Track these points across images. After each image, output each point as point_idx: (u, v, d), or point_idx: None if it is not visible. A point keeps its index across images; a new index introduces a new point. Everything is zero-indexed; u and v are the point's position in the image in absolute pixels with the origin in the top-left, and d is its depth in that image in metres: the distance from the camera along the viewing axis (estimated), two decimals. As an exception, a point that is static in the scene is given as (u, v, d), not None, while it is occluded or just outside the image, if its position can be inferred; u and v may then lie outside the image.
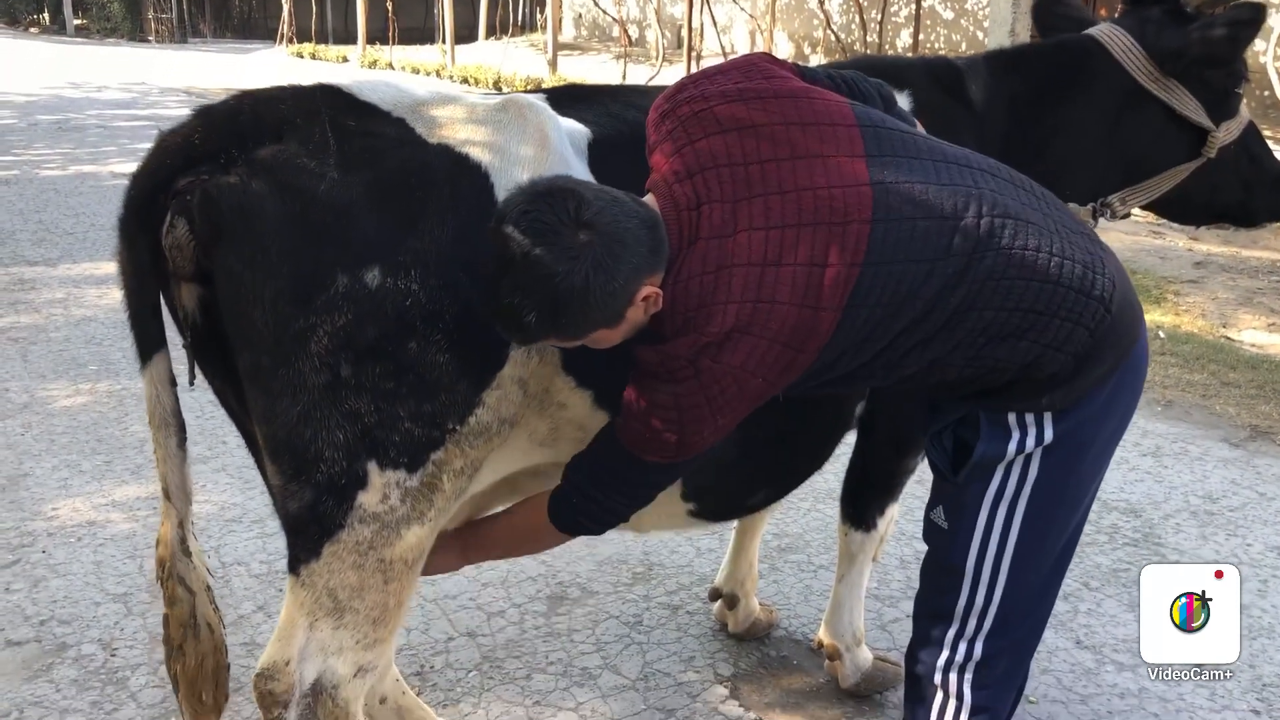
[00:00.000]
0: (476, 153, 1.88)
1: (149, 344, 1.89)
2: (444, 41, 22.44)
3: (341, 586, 1.91)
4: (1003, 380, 1.85)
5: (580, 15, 25.58)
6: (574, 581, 3.39)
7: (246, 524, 3.67)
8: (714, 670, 2.98)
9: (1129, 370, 1.92)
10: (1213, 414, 5.01)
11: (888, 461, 2.61)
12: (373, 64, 23.01)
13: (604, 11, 19.58)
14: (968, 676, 2.05)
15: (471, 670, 2.93)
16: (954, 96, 2.55)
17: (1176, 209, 2.81)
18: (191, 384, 1.94)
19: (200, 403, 2.00)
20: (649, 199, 1.78)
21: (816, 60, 20.01)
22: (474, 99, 2.02)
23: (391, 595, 1.95)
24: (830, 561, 3.49)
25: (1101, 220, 2.63)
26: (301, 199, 1.77)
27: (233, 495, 3.87)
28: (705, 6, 15.48)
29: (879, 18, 17.15)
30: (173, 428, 1.93)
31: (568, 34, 25.05)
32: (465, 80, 19.78)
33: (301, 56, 25.39)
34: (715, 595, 3.16)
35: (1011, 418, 1.89)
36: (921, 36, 17.58)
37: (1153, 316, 6.61)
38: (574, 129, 2.00)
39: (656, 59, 17.11)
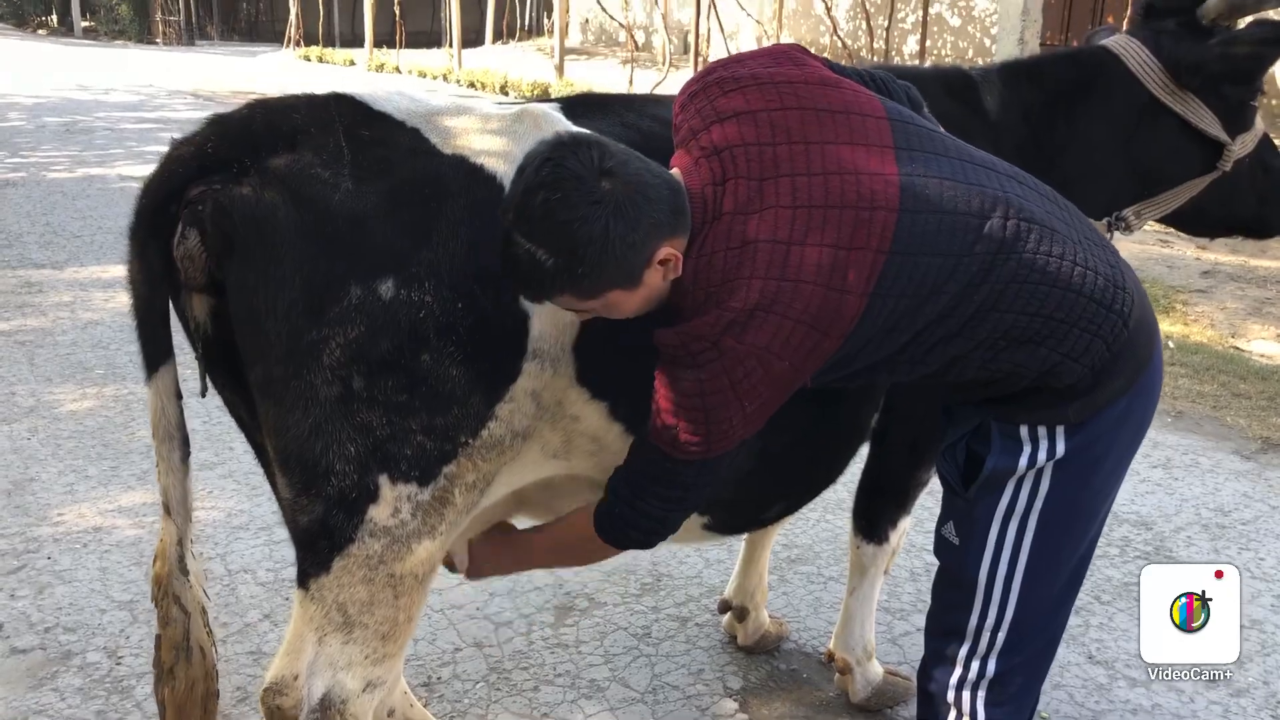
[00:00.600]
0: (491, 163, 1.87)
1: (157, 355, 1.87)
2: (451, 45, 22.46)
3: (351, 601, 1.88)
4: (1019, 386, 1.83)
5: (587, 20, 25.59)
6: (582, 592, 3.37)
7: (253, 531, 3.66)
8: (723, 683, 2.96)
9: (1143, 388, 1.89)
10: (1224, 425, 4.98)
11: (900, 474, 2.59)
12: (380, 68, 23.05)
13: (611, 17, 19.58)
14: (981, 694, 2.03)
15: (479, 681, 2.91)
16: (968, 106, 2.53)
17: (1190, 222, 2.78)
18: (204, 395, 1.92)
19: (207, 408, 1.97)
20: (674, 173, 1.76)
21: (823, 66, 19.99)
22: (489, 109, 2.01)
23: (401, 610, 1.93)
24: (840, 573, 3.47)
25: (1119, 232, 2.61)
26: (315, 209, 1.75)
27: (239, 502, 3.85)
28: (712, 11, 15.47)
29: (886, 24, 17.13)
30: (176, 441, 1.91)
31: (574, 39, 25.07)
32: (472, 84, 19.80)
33: (309, 60, 25.43)
34: (725, 607, 3.14)
35: (1024, 430, 1.86)
36: (929, 43, 17.57)
37: (1162, 326, 6.56)
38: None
39: (663, 64, 17.11)
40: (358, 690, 1.94)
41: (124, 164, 10.88)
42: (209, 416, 4.08)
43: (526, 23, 27.43)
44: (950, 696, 2.05)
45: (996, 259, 1.73)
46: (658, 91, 14.98)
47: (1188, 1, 2.56)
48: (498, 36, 26.25)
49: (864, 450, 2.57)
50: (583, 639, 3.12)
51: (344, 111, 1.89)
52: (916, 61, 17.54)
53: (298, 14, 26.72)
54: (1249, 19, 2.57)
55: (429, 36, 29.39)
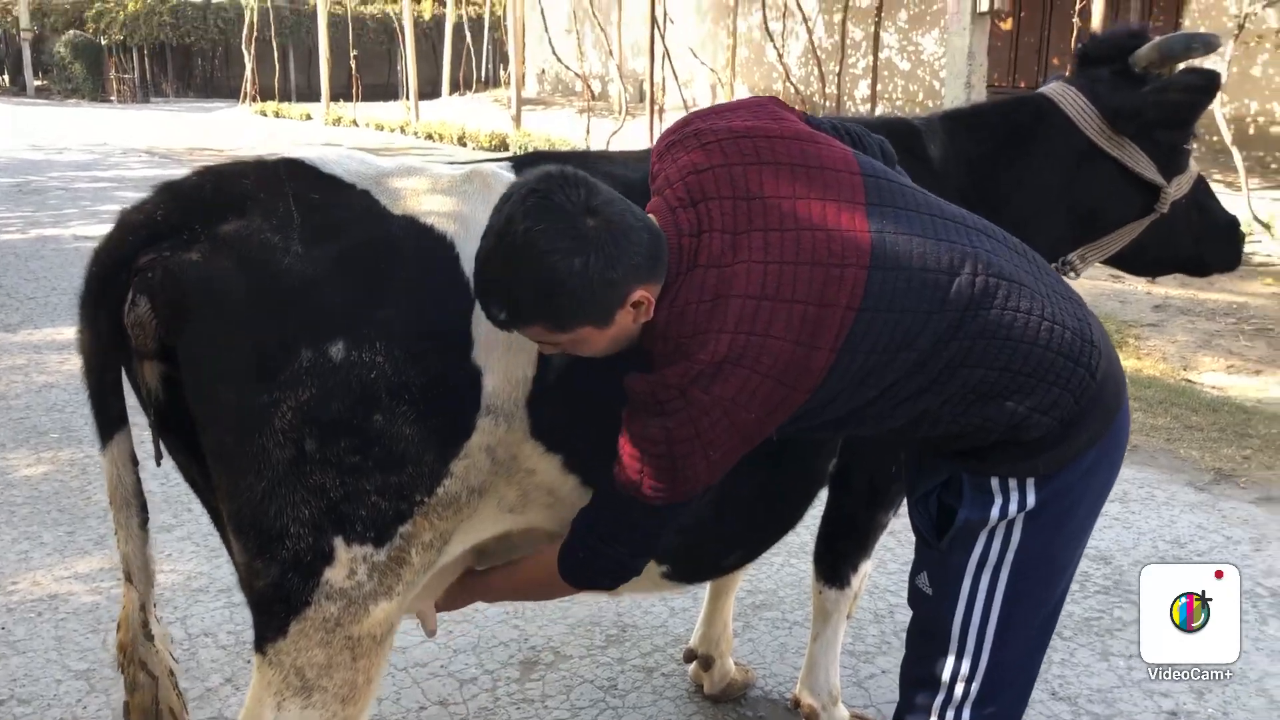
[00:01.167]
0: (442, 224, 1.89)
1: (110, 423, 1.86)
2: (408, 98, 22.56)
3: (309, 665, 1.87)
4: (988, 440, 1.86)
5: (544, 70, 25.81)
6: (547, 645, 3.35)
7: (213, 594, 3.61)
8: (690, 733, 2.95)
9: (1111, 439, 1.93)
10: (1177, 458, 5.06)
11: (860, 517, 2.61)
12: (337, 121, 23.09)
13: (566, 67, 19.77)
14: None
15: (444, 740, 2.88)
16: (913, 155, 2.58)
17: (1132, 262, 2.85)
18: (159, 463, 1.92)
19: (165, 470, 1.98)
20: (653, 219, 1.79)
21: (777, 111, 20.25)
22: (439, 169, 2.03)
23: (360, 672, 1.91)
24: (805, 618, 3.47)
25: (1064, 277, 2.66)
26: (265, 274, 1.76)
27: (199, 564, 3.81)
28: (666, 60, 15.67)
29: (837, 70, 17.41)
30: (134, 508, 1.90)
31: (531, 89, 25.27)
32: (430, 136, 19.89)
33: (265, 115, 25.45)
34: (690, 656, 3.13)
35: (995, 482, 1.89)
36: (880, 87, 17.87)
37: (1115, 361, 6.69)
38: (538, 197, 2.01)
39: (619, 113, 17.28)
40: (318, 755, 1.92)
41: (78, 224, 10.80)
42: (166, 479, 4.04)
43: (483, 74, 27.65)
44: None
45: (966, 315, 1.76)
46: (615, 140, 15.12)
47: (1121, 50, 2.64)
48: (454, 88, 26.41)
49: (824, 495, 2.59)
50: (548, 693, 3.10)
51: (293, 175, 1.90)
52: (868, 106, 17.84)
53: (253, 69, 26.78)
54: (1180, 66, 2.65)
55: (386, 89, 29.53)
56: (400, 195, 1.92)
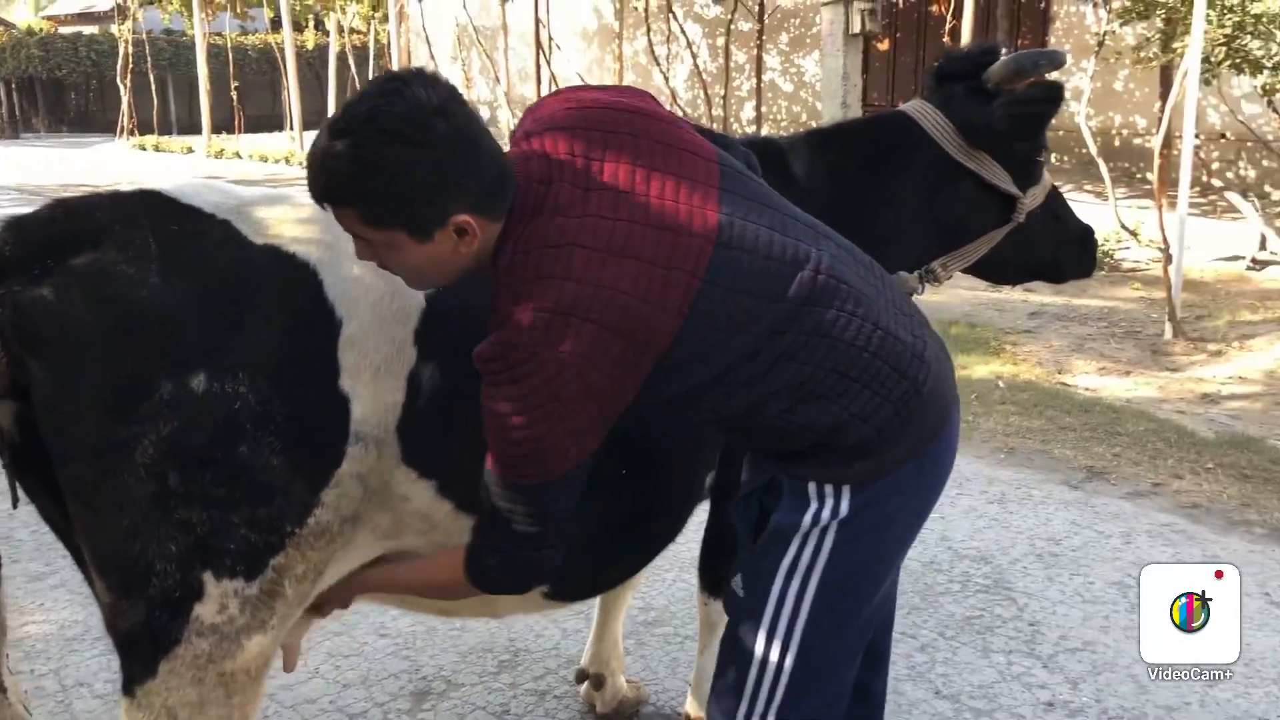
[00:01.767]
0: (304, 251, 1.88)
1: (-39, 466, 1.81)
2: (293, 128, 22.22)
3: (181, 704, 1.83)
4: (808, 443, 1.88)
5: (430, 98, 25.62)
6: (438, 675, 3.32)
7: (89, 642, 3.50)
8: (584, 753, 2.95)
9: (932, 460, 1.96)
10: (1052, 458, 5.25)
11: (740, 529, 2.65)
12: (219, 153, 22.60)
13: (454, 93, 19.71)
14: None
15: (334, 776, 2.84)
16: (779, 173, 2.65)
17: (992, 270, 2.95)
18: (15, 506, 1.87)
19: (36, 516, 1.93)
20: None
21: (666, 134, 20.49)
22: (303, 198, 2.02)
23: (236, 709, 1.88)
24: (697, 632, 3.50)
25: (928, 285, 2.75)
26: (120, 306, 1.73)
27: (73, 613, 3.68)
28: (553, 85, 15.76)
29: (723, 92, 17.71)
30: (-12, 554, 1.84)
31: (419, 117, 25.04)
32: (316, 166, 19.57)
33: (144, 149, 24.76)
34: (582, 677, 3.14)
35: (812, 487, 1.91)
36: (764, 109, 18.23)
37: (992, 367, 6.92)
38: (404, 223, 2.01)
39: (507, 139, 17.28)
40: (194, 798, 1.88)
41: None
42: (37, 525, 3.88)
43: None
44: None
45: (802, 310, 1.78)
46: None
47: (975, 68, 2.75)
48: (341, 117, 26.05)
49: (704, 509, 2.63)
50: (441, 722, 3.08)
51: (151, 207, 1.88)
52: (754, 127, 18.17)
53: (129, 102, 26.06)
54: (1029, 81, 2.77)
55: (270, 120, 28.98)
56: (262, 225, 1.91)
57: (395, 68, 19.44)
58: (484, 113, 21.73)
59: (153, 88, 26.37)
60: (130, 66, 25.11)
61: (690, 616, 3.67)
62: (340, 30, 25.30)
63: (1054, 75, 2.84)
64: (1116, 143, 14.39)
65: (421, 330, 1.92)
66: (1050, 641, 3.51)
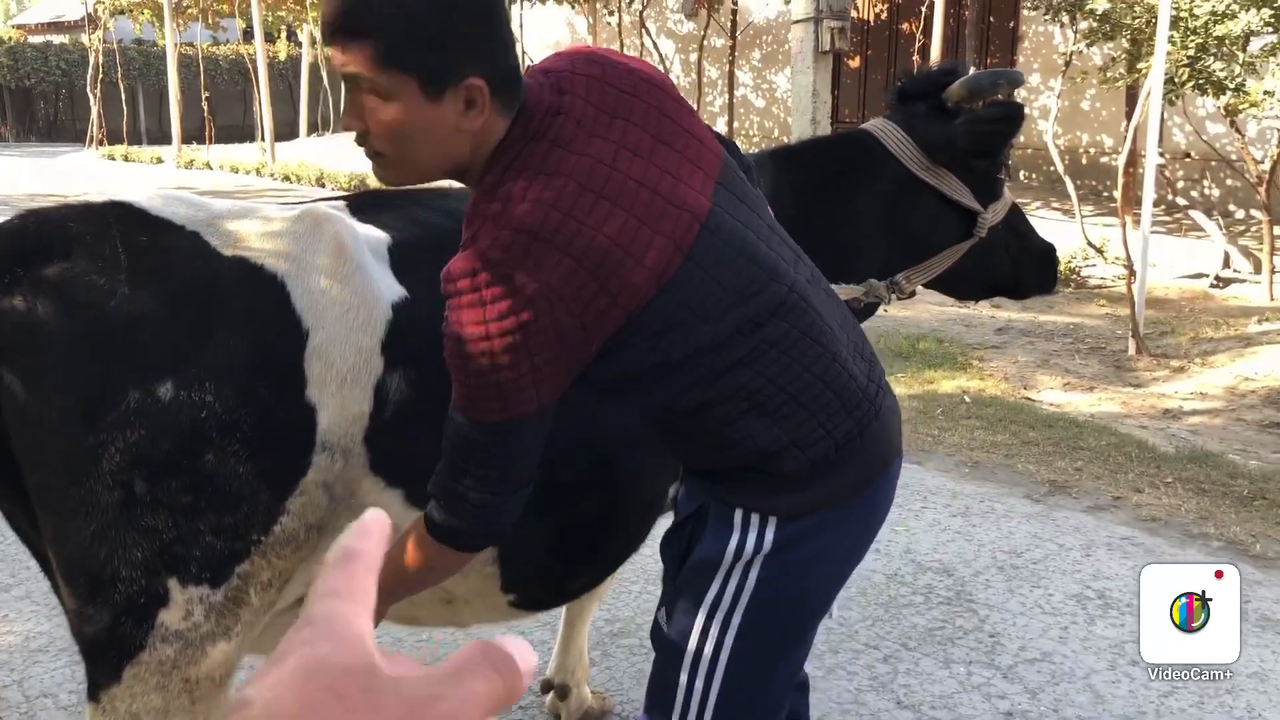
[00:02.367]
0: (272, 263, 1.91)
1: (-74, 476, 1.82)
2: (264, 139, 22.15)
3: (146, 710, 1.85)
4: (741, 462, 1.84)
5: (404, 110, 25.61)
6: (405, 684, 3.33)
7: (53, 653, 3.49)
8: (549, 762, 2.97)
9: (866, 506, 1.91)
10: (1015, 472, 5.32)
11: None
12: (189, 164, 22.49)
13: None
14: None
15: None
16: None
17: (954, 285, 3.01)
18: (-21, 513, 1.88)
19: (1, 527, 1.94)
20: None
21: (638, 149, 20.60)
22: (272, 211, 2.05)
23: (200, 716, 1.90)
24: (661, 642, 3.54)
25: (895, 296, 2.81)
26: (89, 315, 1.75)
27: (38, 624, 3.67)
28: (526, 100, 15.79)
29: (696, 107, 17.81)
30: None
31: (392, 129, 25.01)
32: (286, 178, 19.55)
33: (113, 159, 24.60)
34: (547, 687, 3.16)
35: (738, 515, 1.86)
36: (737, 124, 18.34)
37: (959, 382, 7.00)
38: (372, 235, 2.05)
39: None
40: (158, 805, 1.89)
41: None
42: (3, 536, 3.88)
43: (342, 115, 27.36)
44: None
45: (769, 319, 1.76)
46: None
47: (936, 87, 2.82)
48: (312, 129, 26.05)
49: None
50: (406, 732, 3.08)
51: (121, 218, 1.90)
52: (726, 142, 18.26)
53: (99, 112, 25.89)
54: (988, 100, 2.84)
55: (241, 131, 28.88)
56: (231, 237, 1.93)
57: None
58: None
59: (123, 97, 26.22)
60: (100, 76, 24.96)
61: (656, 627, 3.70)
62: (313, 41, 25.25)
63: (1018, 94, 2.92)
64: (1083, 160, 14.59)
65: (388, 341, 1.95)
66: (1010, 652, 3.56)
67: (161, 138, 27.53)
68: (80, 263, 1.80)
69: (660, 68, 17.70)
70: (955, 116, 2.79)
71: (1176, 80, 9.07)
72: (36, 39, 33.60)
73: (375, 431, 1.94)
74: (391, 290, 1.99)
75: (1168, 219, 12.25)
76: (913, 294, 2.90)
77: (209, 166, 21.95)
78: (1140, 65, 10.24)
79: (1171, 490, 5.02)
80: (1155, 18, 8.18)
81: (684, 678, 1.89)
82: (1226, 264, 10.26)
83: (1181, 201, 11.67)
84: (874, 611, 3.82)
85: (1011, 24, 16.15)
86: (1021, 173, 15.10)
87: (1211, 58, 9.28)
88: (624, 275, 1.63)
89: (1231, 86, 9.11)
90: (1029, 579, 4.11)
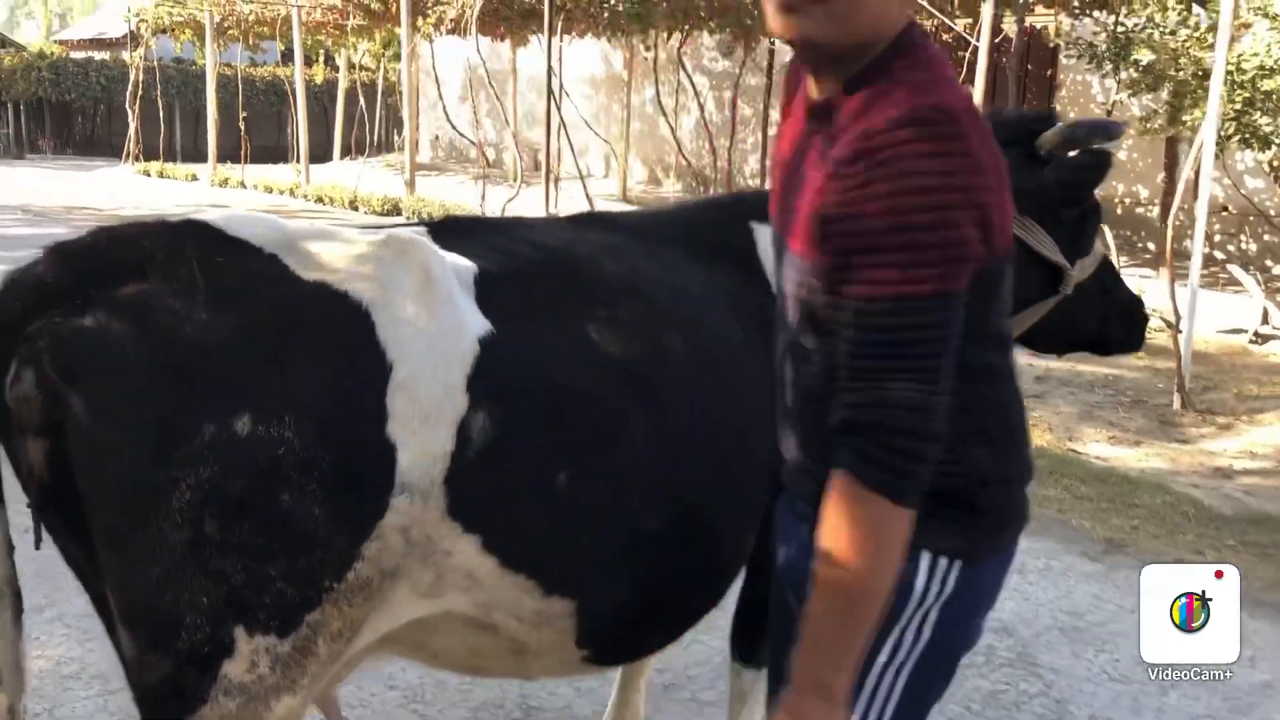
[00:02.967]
0: (356, 290, 1.79)
1: (-15, 505, 1.71)
2: (298, 160, 22.24)
3: (203, 767, 1.72)
4: (953, 486, 1.63)
5: (437, 136, 25.76)
6: (448, 731, 3.20)
7: (85, 680, 3.37)
8: (600, 822, 2.83)
9: (1010, 556, 1.79)
10: (1070, 529, 5.16)
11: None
12: (224, 183, 22.60)
13: (461, 134, 19.74)
14: None
15: (339, 838, 2.70)
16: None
17: (1037, 341, 2.89)
18: (38, 547, 1.77)
19: (30, 543, 1.83)
20: None
21: (670, 184, 20.61)
22: (352, 234, 1.94)
23: (259, 774, 1.77)
24: (717, 697, 3.39)
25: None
26: (165, 342, 1.64)
27: (70, 649, 3.55)
28: (562, 130, 15.77)
29: (728, 145, 17.79)
30: (7, 599, 1.74)
31: (424, 155, 25.18)
32: (320, 199, 19.59)
33: (149, 175, 24.76)
34: (599, 742, 3.02)
35: (925, 557, 1.66)
36: (769, 163, 18.27)
37: (1005, 432, 6.84)
38: (459, 264, 1.94)
39: (515, 180, 17.29)
40: None
41: (-57, 283, 10.24)
42: (34, 555, 3.77)
43: (376, 139, 27.48)
44: None
45: (1003, 344, 1.70)
46: (511, 206, 15.09)
47: (1030, 134, 2.71)
48: (346, 152, 26.15)
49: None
50: (450, 783, 2.95)
51: (196, 238, 1.80)
52: (758, 180, 18.24)
53: (137, 128, 26.07)
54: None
55: (275, 151, 29.03)
56: (311, 260, 1.82)
57: (405, 107, 19.45)
58: (490, 154, 21.81)
59: (160, 115, 26.42)
60: (139, 93, 25.15)
61: (708, 682, 3.55)
62: (350, 66, 25.44)
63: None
64: (1119, 210, 14.45)
65: (474, 377, 1.83)
66: (1079, 721, 3.40)
67: (196, 155, 27.70)
68: (155, 284, 1.70)
69: (695, 104, 17.74)
70: (1044, 164, 2.68)
71: (1222, 134, 8.96)
72: (78, 54, 33.98)
73: (456, 472, 1.82)
74: (478, 323, 1.88)
75: (1204, 273, 12.09)
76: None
77: (243, 185, 22.04)
78: (1185, 118, 10.14)
79: (1235, 554, 4.84)
80: (1200, 70, 8.08)
81: None
82: (1265, 320, 10.08)
83: (1220, 255, 11.53)
84: (933, 672, 3.66)
85: (1049, 71, 16.08)
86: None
87: (1258, 112, 9.18)
88: (998, 215, 1.51)
89: (1278, 141, 9.00)
90: (1093, 642, 3.94)
